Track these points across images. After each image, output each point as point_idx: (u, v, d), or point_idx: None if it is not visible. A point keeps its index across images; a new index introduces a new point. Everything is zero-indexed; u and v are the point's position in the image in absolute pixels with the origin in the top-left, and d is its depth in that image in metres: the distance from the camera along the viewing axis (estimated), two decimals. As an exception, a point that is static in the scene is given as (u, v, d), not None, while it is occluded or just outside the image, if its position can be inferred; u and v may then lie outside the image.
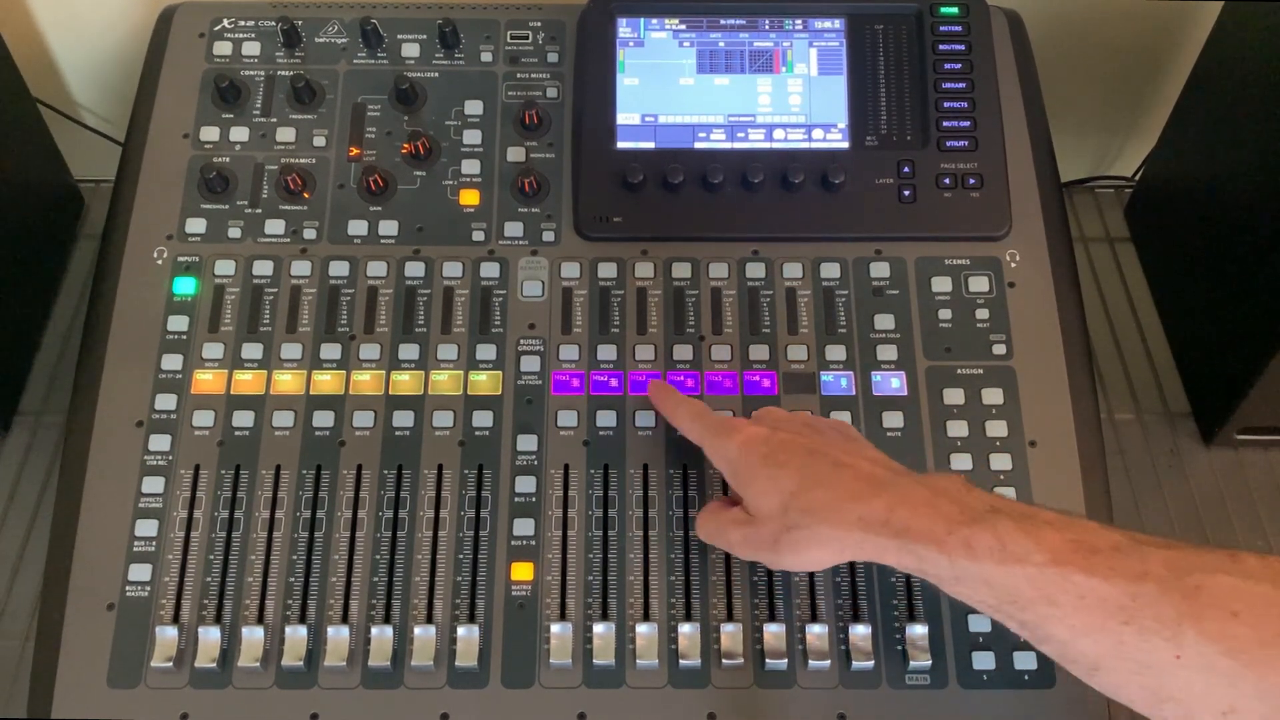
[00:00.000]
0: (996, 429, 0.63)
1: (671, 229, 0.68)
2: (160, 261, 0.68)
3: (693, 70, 0.72)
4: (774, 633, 0.58)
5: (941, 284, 0.67)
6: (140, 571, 0.60)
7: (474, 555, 0.60)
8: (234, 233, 0.68)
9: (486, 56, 0.74)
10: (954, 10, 0.72)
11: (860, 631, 0.58)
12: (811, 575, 0.60)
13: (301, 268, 0.68)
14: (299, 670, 0.58)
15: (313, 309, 0.66)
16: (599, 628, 0.58)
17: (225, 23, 0.74)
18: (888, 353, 0.66)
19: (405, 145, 0.70)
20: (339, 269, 0.68)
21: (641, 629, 0.59)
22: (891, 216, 0.68)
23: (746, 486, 0.54)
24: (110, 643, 0.58)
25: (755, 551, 0.54)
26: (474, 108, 0.72)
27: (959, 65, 0.71)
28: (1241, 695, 0.42)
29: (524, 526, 0.61)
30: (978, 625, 0.59)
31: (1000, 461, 0.63)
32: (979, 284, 0.67)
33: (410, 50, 0.74)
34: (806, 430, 0.56)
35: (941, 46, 0.71)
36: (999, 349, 0.66)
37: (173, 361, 0.65)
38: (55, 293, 0.85)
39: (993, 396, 0.64)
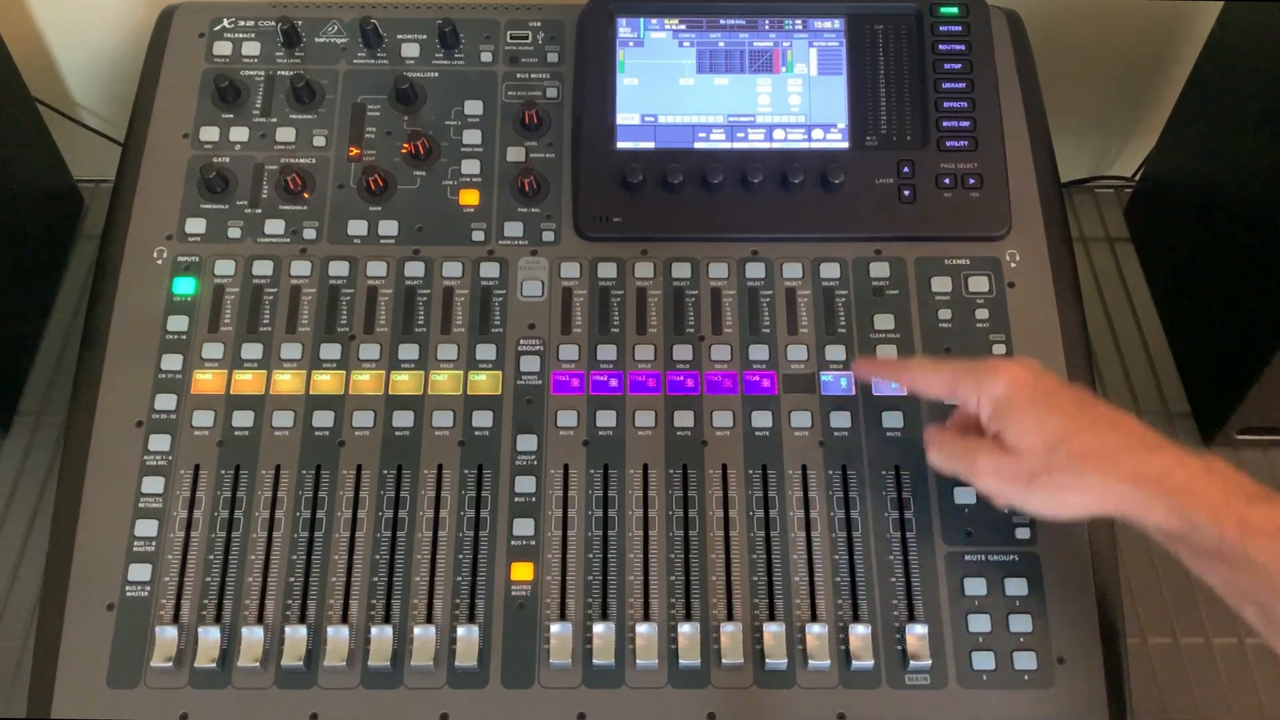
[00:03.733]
0: (996, 429, 0.63)
1: (671, 229, 0.68)
2: (160, 261, 0.68)
3: (692, 70, 0.72)
4: (774, 633, 0.58)
5: (941, 284, 0.67)
6: (140, 571, 0.60)
7: (474, 555, 0.60)
8: (234, 233, 0.68)
9: (486, 56, 0.74)
10: (954, 10, 0.72)
11: (860, 631, 0.58)
12: (811, 576, 0.60)
13: (301, 268, 0.68)
14: (299, 670, 0.58)
15: (312, 309, 0.66)
16: (599, 628, 0.58)
17: (225, 23, 0.74)
18: (888, 353, 0.66)
19: (405, 145, 0.70)
20: (339, 269, 0.68)
21: (641, 629, 0.58)
22: (891, 216, 0.68)
23: (1013, 423, 0.53)
24: (110, 643, 0.58)
25: (1004, 484, 0.53)
26: (474, 108, 0.72)
27: (959, 65, 0.71)
28: None
29: (524, 526, 0.61)
30: (977, 625, 0.59)
31: (1000, 461, 0.63)
32: (979, 284, 0.67)
33: (410, 50, 0.74)
34: (1070, 385, 0.56)
35: (941, 46, 0.71)
36: (999, 349, 0.66)
37: (172, 361, 0.65)
38: (55, 293, 0.85)
39: (993, 396, 0.64)
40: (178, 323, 0.66)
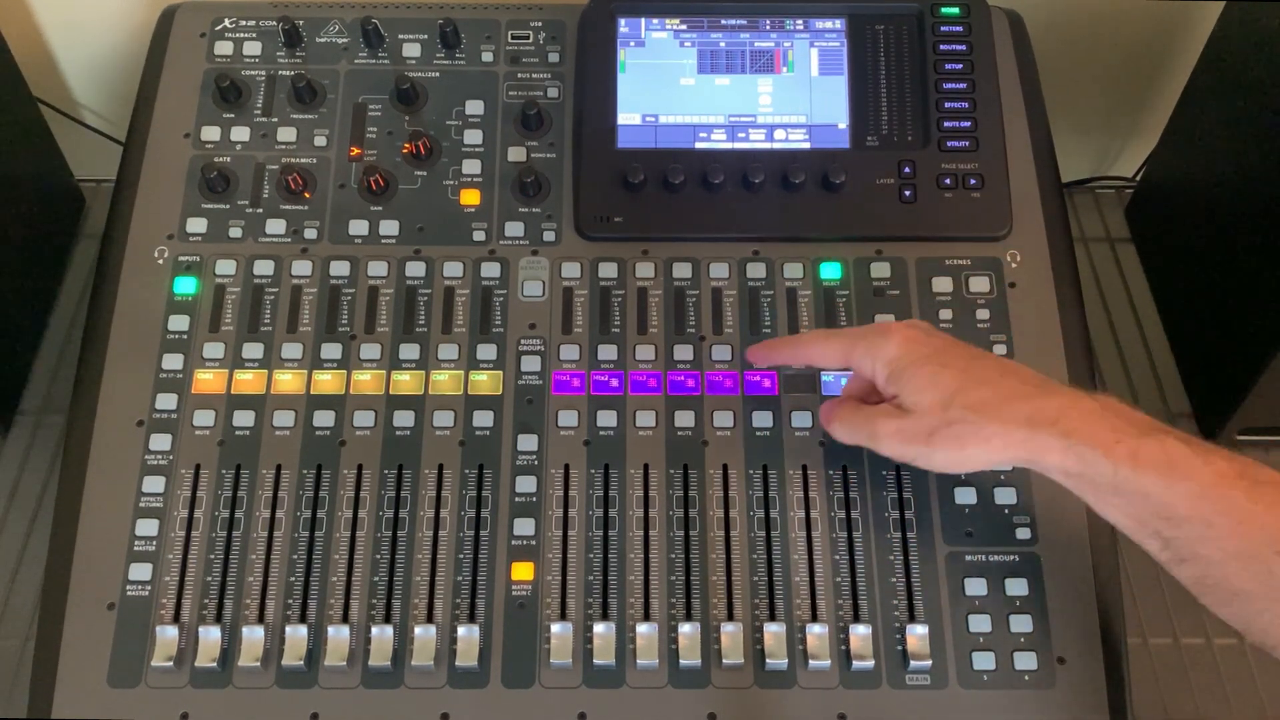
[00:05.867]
0: (997, 429, 0.63)
1: (672, 229, 0.68)
2: (161, 261, 0.68)
3: (693, 70, 0.72)
4: (774, 633, 0.58)
5: (942, 284, 0.67)
6: (141, 571, 0.60)
7: (474, 555, 0.60)
8: (235, 232, 0.68)
9: (487, 56, 0.74)
10: (955, 10, 0.72)
11: (860, 631, 0.58)
12: (811, 576, 0.60)
13: (302, 267, 0.68)
14: (299, 670, 0.58)
15: (313, 309, 0.67)
16: (599, 628, 0.58)
17: (226, 22, 0.74)
18: (888, 353, 0.66)
19: (406, 145, 0.70)
20: (340, 269, 0.68)
21: (641, 629, 0.59)
22: (892, 217, 0.68)
23: (907, 382, 0.54)
24: (110, 642, 0.58)
25: (907, 444, 0.54)
26: (475, 107, 0.72)
27: (960, 65, 0.71)
28: None
29: (524, 526, 0.61)
30: (978, 625, 0.59)
31: (1001, 462, 0.63)
32: (979, 284, 0.67)
33: (411, 50, 0.74)
34: (960, 342, 0.57)
35: (942, 47, 0.71)
36: (999, 349, 0.66)
37: (173, 361, 0.65)
38: (56, 292, 0.86)
39: (993, 397, 0.64)
40: (178, 322, 0.66)
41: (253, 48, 0.74)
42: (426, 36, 0.74)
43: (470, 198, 0.70)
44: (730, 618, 0.59)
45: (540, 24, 0.75)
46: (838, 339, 0.58)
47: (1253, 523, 0.46)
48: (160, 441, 0.63)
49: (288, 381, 0.64)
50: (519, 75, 0.73)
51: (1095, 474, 0.49)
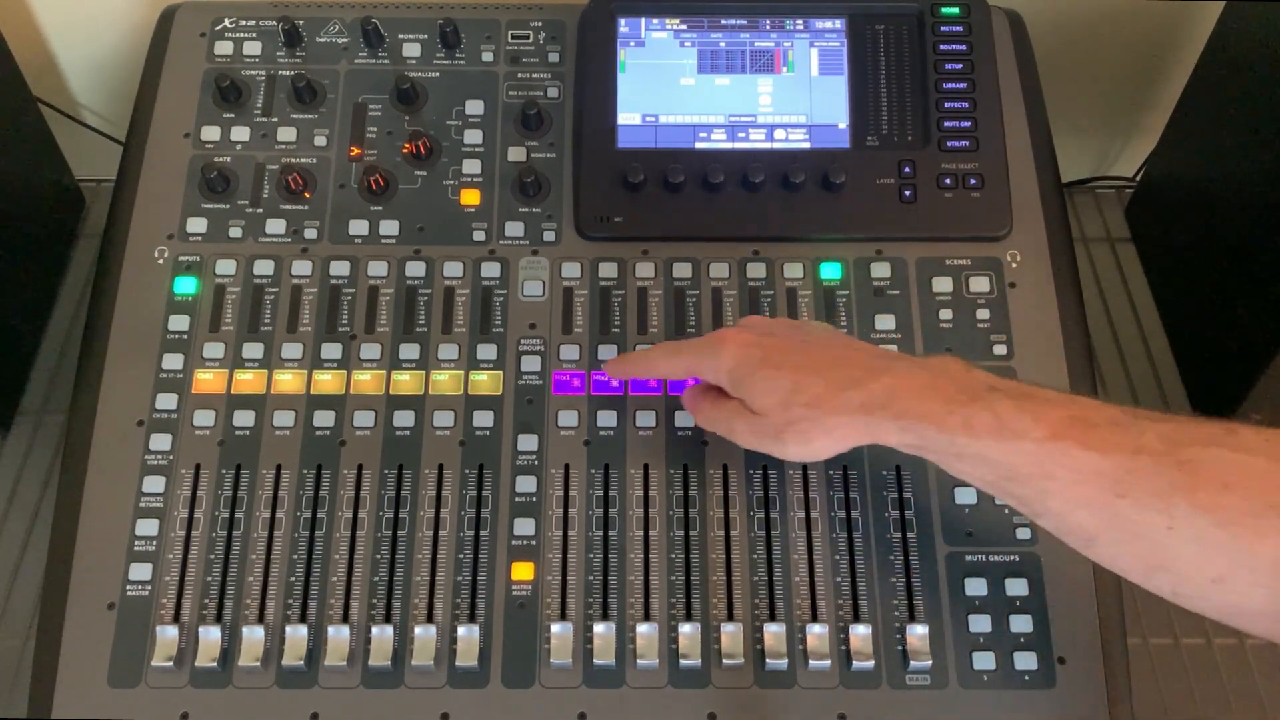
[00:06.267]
0: (997, 429, 0.63)
1: (672, 229, 0.68)
2: (161, 261, 0.68)
3: (693, 70, 0.72)
4: (774, 633, 0.58)
5: (942, 284, 0.67)
6: (141, 571, 0.60)
7: (474, 555, 0.60)
8: (235, 232, 0.68)
9: (487, 56, 0.74)
10: (955, 10, 0.72)
11: (860, 631, 0.58)
12: (812, 576, 0.60)
13: (302, 267, 0.68)
14: (299, 670, 0.58)
15: (313, 309, 0.67)
16: (599, 628, 0.58)
17: (226, 22, 0.74)
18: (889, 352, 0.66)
19: (406, 145, 0.70)
20: (340, 269, 0.68)
21: (641, 629, 0.59)
22: (892, 216, 0.68)
23: (747, 390, 0.55)
24: (110, 642, 0.58)
25: (760, 441, 0.55)
26: (475, 107, 0.72)
27: (960, 65, 0.71)
28: (1231, 564, 0.44)
29: (524, 526, 0.61)
30: (978, 625, 0.59)
31: (1001, 462, 0.63)
32: (980, 284, 0.67)
33: (411, 50, 0.74)
34: (795, 330, 0.58)
35: (942, 46, 0.71)
36: (1000, 349, 0.66)
37: (173, 361, 0.65)
38: (56, 292, 0.86)
39: (993, 397, 0.64)
40: (179, 322, 0.66)
41: (253, 48, 0.74)
42: (426, 36, 0.74)
43: (470, 198, 0.70)
44: (730, 618, 0.59)
45: (540, 24, 0.75)
46: (679, 355, 0.59)
47: (1089, 470, 0.46)
48: (160, 441, 0.63)
49: (288, 381, 0.64)
50: (519, 75, 0.73)
51: (935, 446, 0.50)
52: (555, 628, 0.58)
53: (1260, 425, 0.46)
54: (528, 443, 0.63)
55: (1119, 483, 0.46)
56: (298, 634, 0.58)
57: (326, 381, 0.65)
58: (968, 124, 0.70)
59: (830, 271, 0.68)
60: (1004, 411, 0.48)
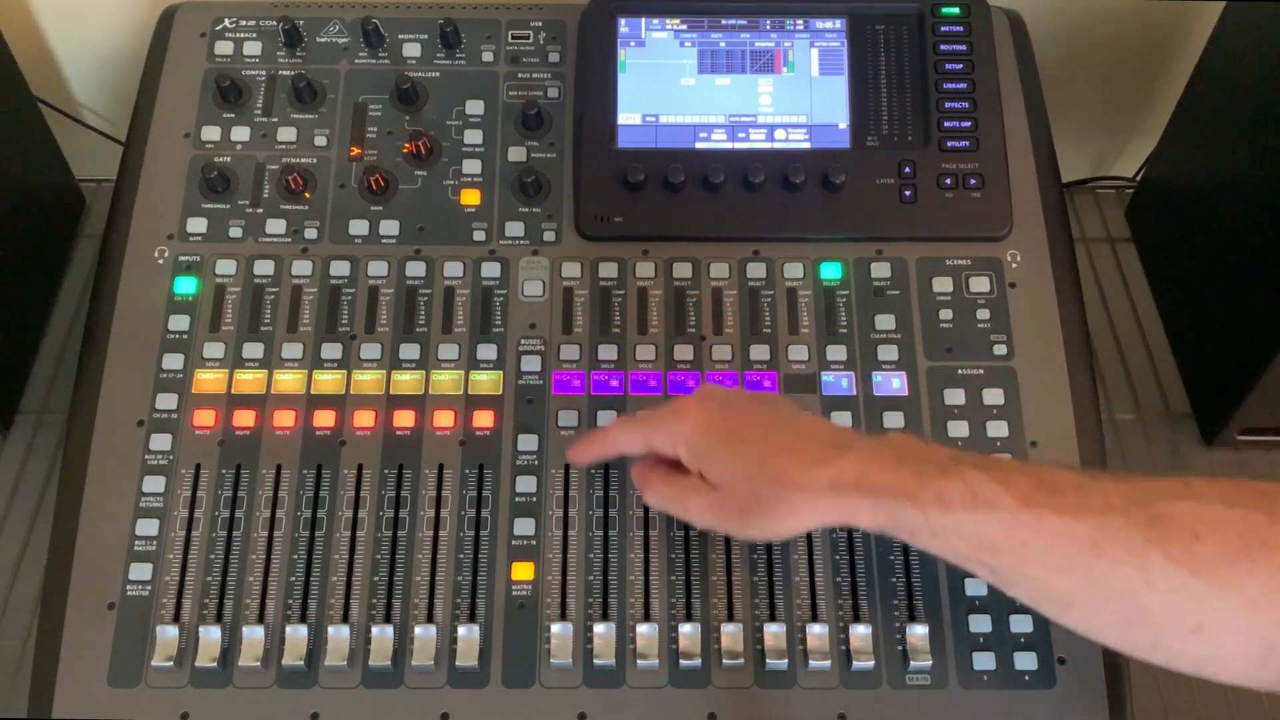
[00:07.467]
0: (997, 429, 0.63)
1: (672, 229, 0.68)
2: (161, 261, 0.68)
3: (694, 70, 0.72)
4: (774, 633, 0.58)
5: (942, 284, 0.67)
6: (141, 571, 0.60)
7: (474, 555, 0.60)
8: (235, 232, 0.68)
9: (488, 56, 0.74)
10: (955, 10, 0.72)
11: (860, 631, 0.58)
12: (812, 575, 0.60)
13: (302, 267, 0.68)
14: (299, 670, 0.58)
15: (314, 309, 0.67)
16: (599, 628, 0.58)
17: (226, 22, 0.74)
18: (888, 353, 0.66)
19: (406, 145, 0.70)
20: (340, 269, 0.68)
21: (642, 629, 0.59)
22: (892, 217, 0.68)
23: (708, 463, 0.54)
24: (111, 642, 0.58)
25: (719, 520, 0.55)
26: (475, 107, 0.72)
27: (960, 65, 0.71)
28: (1209, 611, 0.45)
29: (524, 526, 0.61)
30: (978, 625, 0.59)
31: (1001, 462, 0.63)
32: (980, 284, 0.67)
33: (411, 50, 0.74)
34: (755, 404, 0.57)
35: (942, 47, 0.71)
36: (1000, 349, 0.66)
37: (174, 361, 0.65)
38: (56, 292, 0.86)
39: (993, 397, 0.64)
40: (179, 322, 0.66)
41: (253, 48, 0.74)
42: (427, 36, 0.74)
43: (470, 198, 0.70)
44: (730, 618, 0.59)
45: (540, 24, 0.75)
46: (637, 429, 0.58)
47: (1064, 534, 0.47)
48: (160, 441, 0.63)
49: (288, 381, 0.64)
50: (519, 75, 0.73)
51: (909, 524, 0.50)
52: (555, 628, 0.58)
53: (1209, 477, 0.47)
54: (528, 443, 0.63)
55: (1095, 544, 0.46)
56: (298, 634, 0.58)
57: (327, 381, 0.65)
58: (968, 124, 0.70)
59: (830, 271, 0.68)
60: (974, 482, 0.48)
